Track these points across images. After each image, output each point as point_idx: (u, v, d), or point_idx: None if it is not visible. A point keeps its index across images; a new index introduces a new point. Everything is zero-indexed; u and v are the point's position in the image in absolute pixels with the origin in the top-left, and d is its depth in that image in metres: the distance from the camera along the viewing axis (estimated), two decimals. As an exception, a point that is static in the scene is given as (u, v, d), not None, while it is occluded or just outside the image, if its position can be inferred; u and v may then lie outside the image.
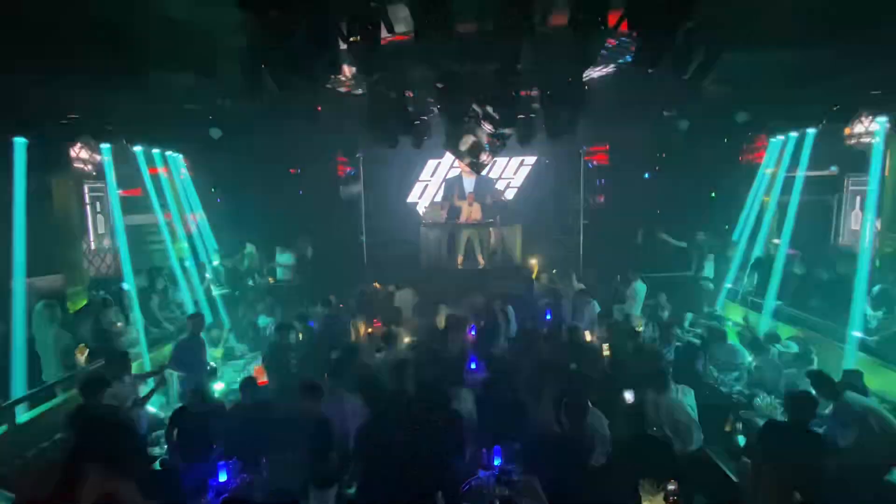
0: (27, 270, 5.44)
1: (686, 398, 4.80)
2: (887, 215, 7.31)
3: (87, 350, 6.10)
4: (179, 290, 8.14)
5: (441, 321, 6.86)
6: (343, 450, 4.11)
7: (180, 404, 4.94)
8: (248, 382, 4.82)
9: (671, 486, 3.23)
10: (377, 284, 9.19)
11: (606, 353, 6.14)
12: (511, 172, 12.71)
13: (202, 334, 6.45)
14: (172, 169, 8.64)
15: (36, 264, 5.70)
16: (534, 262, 10.46)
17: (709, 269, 9.65)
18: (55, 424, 4.74)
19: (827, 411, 4.37)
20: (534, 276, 9.62)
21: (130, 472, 3.07)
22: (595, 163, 12.11)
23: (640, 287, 8.23)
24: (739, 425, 4.88)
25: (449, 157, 11.60)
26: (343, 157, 12.14)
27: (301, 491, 3.34)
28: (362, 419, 4.17)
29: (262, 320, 7.87)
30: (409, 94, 7.41)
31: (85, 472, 2.90)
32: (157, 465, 4.50)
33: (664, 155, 11.60)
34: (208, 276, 9.00)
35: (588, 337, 6.65)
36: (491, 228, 10.81)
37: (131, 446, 3.79)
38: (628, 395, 4.80)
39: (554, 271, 9.55)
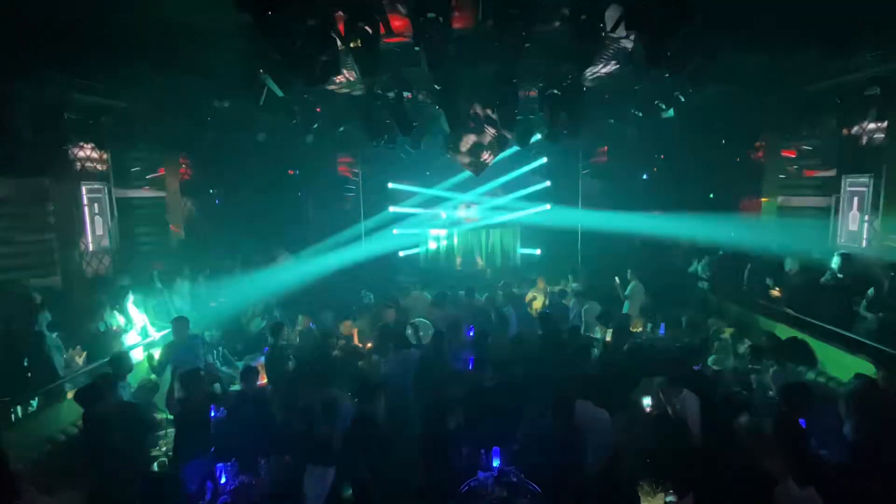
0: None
1: None
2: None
3: (85, 353, 6.08)
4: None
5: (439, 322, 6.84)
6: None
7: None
8: (249, 371, 4.90)
9: (670, 499, 3.21)
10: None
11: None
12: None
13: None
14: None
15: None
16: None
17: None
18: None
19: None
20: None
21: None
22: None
23: (637, 287, 8.21)
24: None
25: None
26: (346, 158, 12.07)
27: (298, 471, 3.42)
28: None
29: (257, 324, 7.67)
30: (408, 95, 7.36)
31: None
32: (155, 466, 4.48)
33: (663, 156, 11.58)
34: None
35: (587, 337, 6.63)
36: (490, 229, 10.80)
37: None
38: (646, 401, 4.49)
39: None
